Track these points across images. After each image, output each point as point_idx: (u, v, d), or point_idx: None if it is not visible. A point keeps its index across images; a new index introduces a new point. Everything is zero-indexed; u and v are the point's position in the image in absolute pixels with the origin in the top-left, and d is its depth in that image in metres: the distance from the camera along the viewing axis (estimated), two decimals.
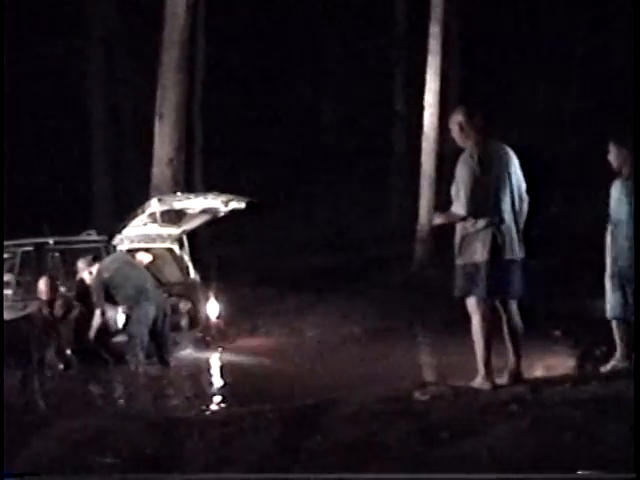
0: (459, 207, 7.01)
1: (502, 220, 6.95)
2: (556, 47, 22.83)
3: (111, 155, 24.70)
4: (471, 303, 7.05)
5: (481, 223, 6.93)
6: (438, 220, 7.41)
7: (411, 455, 5.44)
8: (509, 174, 7.10)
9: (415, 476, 5.02)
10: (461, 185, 6.97)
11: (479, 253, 6.93)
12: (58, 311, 8.14)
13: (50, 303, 8.35)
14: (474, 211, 6.94)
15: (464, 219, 6.99)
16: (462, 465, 5.22)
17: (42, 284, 9.53)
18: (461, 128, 7.14)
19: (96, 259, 10.68)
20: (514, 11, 22.81)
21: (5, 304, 10.75)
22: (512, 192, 7.08)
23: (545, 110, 21.52)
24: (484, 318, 6.99)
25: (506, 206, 6.98)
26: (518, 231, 7.05)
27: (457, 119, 7.17)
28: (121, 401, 8.87)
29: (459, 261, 7.07)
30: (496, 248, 6.91)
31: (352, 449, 5.61)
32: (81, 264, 10.58)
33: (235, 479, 5.33)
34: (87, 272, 10.50)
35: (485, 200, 6.93)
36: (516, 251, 7.02)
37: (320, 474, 5.29)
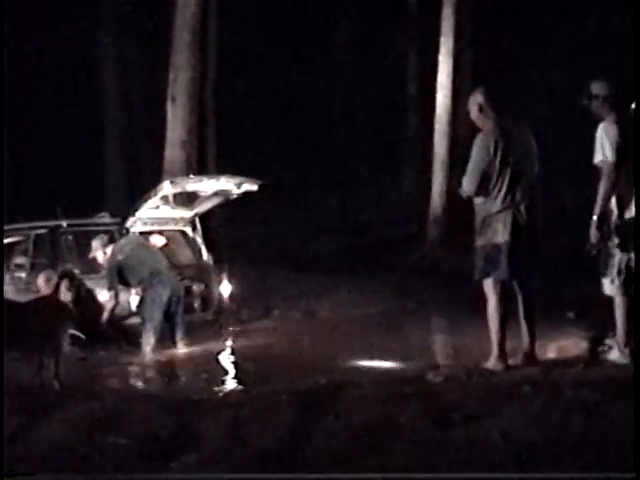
0: (467, 185, 7.05)
1: (522, 201, 6.96)
2: (569, 28, 22.71)
3: (124, 138, 24.71)
4: (488, 284, 7.07)
5: (501, 204, 6.94)
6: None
7: (424, 436, 5.45)
8: (528, 155, 7.11)
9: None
10: (473, 165, 6.99)
11: (500, 234, 6.95)
12: (66, 294, 8.15)
13: (56, 287, 8.38)
14: (481, 192, 6.95)
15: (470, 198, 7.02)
16: (474, 446, 5.23)
17: (40, 280, 9.51)
18: (480, 109, 7.14)
19: (111, 240, 10.71)
20: None
21: (19, 287, 10.82)
22: (531, 173, 7.08)
23: (558, 91, 21.45)
24: (500, 299, 7.02)
25: (525, 187, 6.98)
26: (537, 212, 7.05)
27: (477, 100, 7.17)
28: (134, 383, 8.90)
29: (479, 242, 7.09)
30: (517, 229, 6.93)
31: (365, 430, 5.63)
32: (95, 243, 10.60)
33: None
34: (101, 252, 10.53)
35: (503, 181, 6.93)
36: (535, 232, 7.03)
37: (333, 455, 5.31)
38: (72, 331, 9.39)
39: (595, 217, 6.65)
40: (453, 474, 4.95)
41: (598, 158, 6.70)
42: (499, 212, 6.97)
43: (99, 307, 10.25)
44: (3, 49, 19.01)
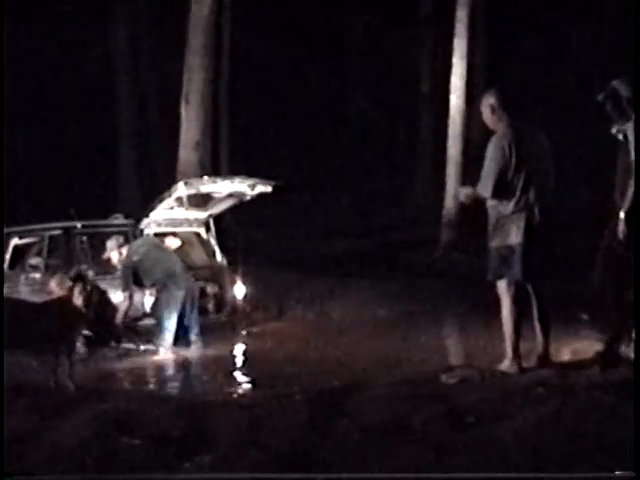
0: (483, 188, 7.03)
1: (535, 203, 6.94)
2: (583, 30, 22.66)
3: (138, 139, 24.77)
4: (502, 286, 7.06)
5: (515, 206, 6.94)
6: (463, 195, 7.42)
7: (437, 438, 5.45)
8: (541, 157, 7.09)
9: (432, 476, 5.03)
10: (488, 167, 6.99)
11: (514, 235, 6.94)
12: (78, 297, 8.18)
13: (70, 290, 8.42)
14: (498, 194, 6.94)
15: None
16: (488, 448, 5.23)
17: (53, 283, 9.55)
18: (493, 110, 7.13)
19: (126, 241, 10.74)
20: None
21: (34, 287, 10.86)
22: (545, 175, 7.07)
23: (573, 94, 21.40)
24: (514, 301, 7.01)
25: (539, 189, 6.97)
26: (550, 214, 7.04)
27: (489, 101, 7.16)
28: (149, 384, 8.93)
29: (493, 244, 7.08)
30: (530, 231, 6.92)
31: (379, 431, 5.63)
32: (110, 244, 10.64)
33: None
34: (116, 253, 10.56)
35: (518, 183, 6.92)
36: (549, 234, 7.02)
37: (346, 456, 5.31)
38: (85, 332, 9.44)
39: (623, 214, 6.59)
40: (466, 474, 4.95)
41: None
42: (512, 214, 6.95)
43: (113, 308, 10.28)
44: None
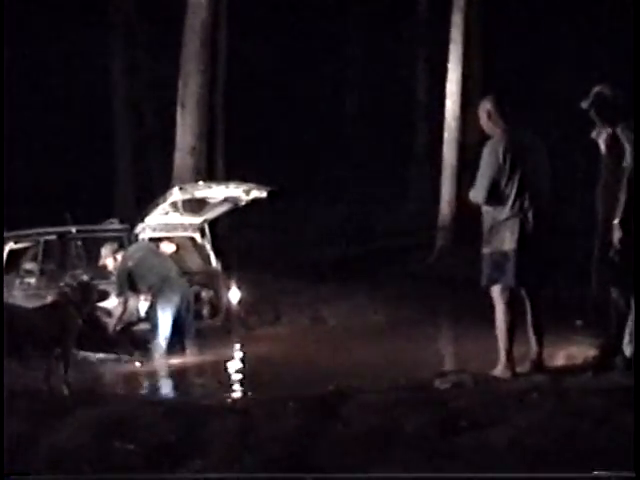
0: (477, 194, 7.05)
1: (530, 209, 6.96)
2: (580, 35, 22.67)
3: (133, 144, 24.78)
4: (496, 291, 7.08)
5: (509, 212, 6.95)
6: None
7: (431, 443, 5.45)
8: (537, 163, 7.11)
9: (430, 475, 5.03)
10: (482, 172, 7.00)
11: (507, 242, 6.95)
12: (76, 297, 8.20)
13: (66, 296, 8.45)
14: (491, 200, 6.96)
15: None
16: (482, 454, 5.23)
17: (105, 251, 9.73)
18: (489, 116, 7.15)
19: (121, 247, 10.74)
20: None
21: (28, 292, 10.87)
22: (540, 181, 7.08)
23: (569, 99, 21.37)
24: (508, 306, 7.02)
25: (534, 195, 6.98)
26: (545, 220, 7.05)
27: (486, 107, 7.18)
28: (143, 389, 8.92)
29: (486, 249, 7.09)
30: (524, 237, 6.93)
31: (372, 437, 5.63)
32: (105, 250, 10.63)
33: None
34: (111, 258, 10.56)
35: (512, 189, 6.93)
36: (543, 240, 7.03)
37: (340, 463, 5.31)
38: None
39: (616, 221, 6.59)
40: (460, 474, 4.95)
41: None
42: (507, 219, 6.97)
43: (108, 313, 10.27)
44: (3, 49, 19.07)
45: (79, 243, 11.53)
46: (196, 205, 11.60)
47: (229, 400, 7.75)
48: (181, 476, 5.30)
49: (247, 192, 10.93)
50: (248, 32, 23.52)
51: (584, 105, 6.84)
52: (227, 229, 16.27)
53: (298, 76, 26.16)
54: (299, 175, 23.66)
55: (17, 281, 11.24)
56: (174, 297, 10.22)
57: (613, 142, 6.66)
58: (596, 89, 6.85)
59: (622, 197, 6.54)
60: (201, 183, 12.07)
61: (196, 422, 6.26)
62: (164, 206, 11.13)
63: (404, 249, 17.75)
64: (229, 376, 9.21)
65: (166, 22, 19.07)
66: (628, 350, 6.75)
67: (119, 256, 10.52)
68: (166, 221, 11.58)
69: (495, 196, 6.99)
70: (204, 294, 11.43)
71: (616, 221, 6.56)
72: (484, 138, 7.32)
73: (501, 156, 6.94)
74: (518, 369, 7.08)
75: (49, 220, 11.91)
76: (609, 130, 6.70)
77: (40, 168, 24.27)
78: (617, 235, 6.55)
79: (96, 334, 10.02)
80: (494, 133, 7.14)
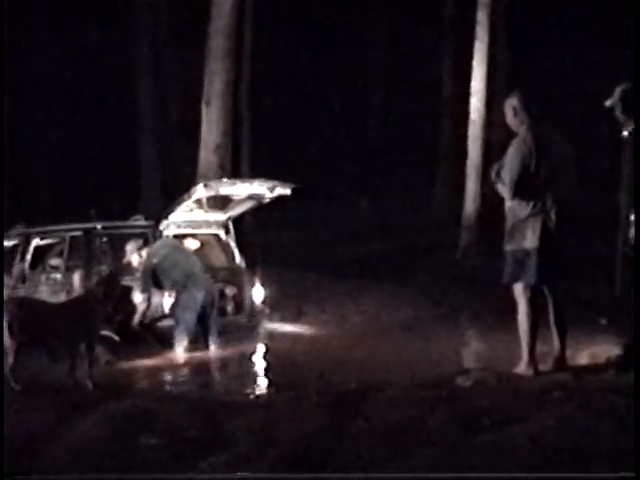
0: (504, 190, 7.05)
1: (553, 207, 6.95)
2: (603, 34, 22.55)
3: (159, 141, 24.86)
4: (518, 289, 7.08)
5: (531, 210, 6.94)
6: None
7: (452, 440, 5.47)
8: (561, 161, 7.09)
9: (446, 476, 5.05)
10: (508, 169, 7.00)
11: (529, 239, 6.95)
12: (99, 292, 8.28)
13: (91, 291, 8.53)
14: (516, 197, 6.96)
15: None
16: (503, 451, 5.23)
17: (75, 279, 9.64)
18: (515, 113, 7.15)
19: (146, 243, 10.79)
20: None
21: (54, 288, 10.95)
22: (563, 179, 7.07)
23: (592, 97, 21.25)
24: (530, 304, 7.01)
25: (557, 193, 6.97)
26: (568, 218, 7.04)
27: (512, 103, 7.18)
28: (167, 384, 8.97)
29: (509, 247, 7.09)
30: (546, 235, 6.92)
31: (394, 433, 5.65)
32: (130, 247, 10.67)
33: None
34: (136, 255, 10.60)
35: (536, 187, 6.93)
36: (565, 238, 7.02)
37: (361, 458, 5.34)
38: (106, 332, 9.51)
39: (632, 217, 6.57)
40: (481, 474, 4.96)
41: None
42: (529, 217, 6.96)
43: (133, 309, 10.34)
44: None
45: (104, 239, 11.59)
46: (220, 202, 11.63)
47: (252, 396, 7.79)
48: (203, 476, 5.33)
49: (271, 189, 10.93)
50: (274, 30, 23.58)
51: (608, 103, 6.83)
52: (251, 226, 16.32)
53: (322, 74, 26.18)
54: (323, 172, 23.70)
55: (43, 277, 11.32)
56: (198, 294, 10.25)
57: (636, 139, 6.64)
58: (621, 87, 6.83)
59: None
60: (225, 180, 12.09)
61: (219, 417, 6.31)
62: (189, 203, 11.16)
63: (428, 247, 17.73)
64: (253, 372, 9.24)
65: (192, 20, 19.13)
66: None
67: (144, 253, 10.56)
68: (191, 218, 11.61)
69: (519, 193, 6.99)
70: (228, 291, 11.46)
71: (632, 217, 6.55)
72: (509, 135, 7.32)
73: (527, 153, 6.94)
74: (541, 367, 7.07)
75: (76, 216, 12.01)
76: (631, 127, 6.68)
77: (66, 165, 24.43)
78: (633, 231, 6.54)
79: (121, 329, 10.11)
80: (520, 130, 7.13)
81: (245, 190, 11.25)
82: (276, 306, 12.08)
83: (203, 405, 6.84)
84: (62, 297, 10.16)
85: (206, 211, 11.54)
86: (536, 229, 6.94)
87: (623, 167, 6.77)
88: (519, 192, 6.97)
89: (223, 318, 10.99)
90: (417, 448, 5.39)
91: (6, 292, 9.90)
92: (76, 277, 9.28)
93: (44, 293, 10.78)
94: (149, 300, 10.34)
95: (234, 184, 11.37)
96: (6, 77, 18.55)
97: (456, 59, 21.37)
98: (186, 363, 9.82)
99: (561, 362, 7.16)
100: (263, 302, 11.61)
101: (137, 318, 10.30)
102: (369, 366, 8.63)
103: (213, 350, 10.28)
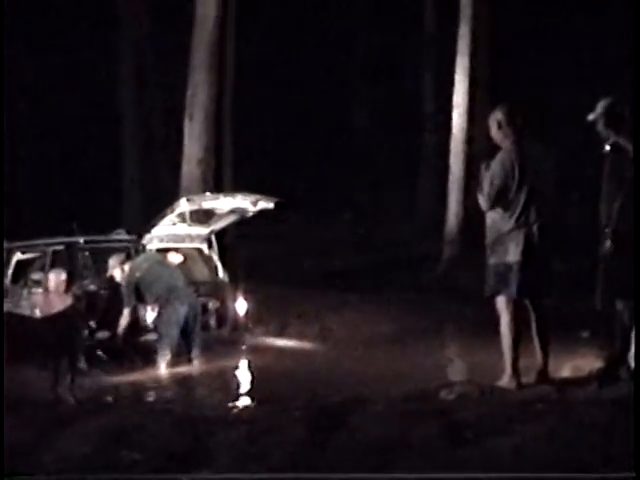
0: (482, 201, 7.08)
1: (535, 221, 6.97)
2: (587, 48, 22.67)
3: (141, 155, 24.84)
4: (500, 302, 7.10)
5: (514, 223, 6.97)
6: None
7: (436, 454, 5.46)
8: (544, 175, 7.13)
9: (439, 476, 5.05)
10: (491, 181, 7.02)
11: (512, 253, 6.97)
12: (81, 307, 8.27)
13: (73, 306, 8.50)
14: (496, 209, 6.99)
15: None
16: (487, 464, 5.24)
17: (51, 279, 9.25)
18: (499, 126, 7.17)
19: (128, 257, 10.76)
20: (545, 11, 22.68)
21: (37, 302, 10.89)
22: (546, 193, 7.10)
23: (576, 111, 21.32)
24: (513, 317, 7.03)
25: (539, 207, 7.00)
26: (550, 232, 7.06)
27: (496, 117, 7.20)
28: (150, 399, 8.93)
29: (491, 260, 7.11)
30: (528, 248, 6.94)
31: (378, 447, 5.64)
32: (112, 261, 10.64)
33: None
34: (119, 269, 10.57)
35: (518, 201, 6.96)
36: (547, 252, 7.05)
37: (346, 473, 5.33)
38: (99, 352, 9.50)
39: (608, 230, 6.59)
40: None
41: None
42: (511, 231, 6.99)
43: (116, 322, 10.30)
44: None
45: (87, 254, 11.55)
46: (203, 216, 11.62)
47: (235, 410, 7.77)
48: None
49: (254, 203, 10.94)
50: (257, 43, 23.60)
51: (591, 117, 6.87)
52: (234, 240, 16.30)
53: (307, 86, 26.21)
54: (306, 186, 23.71)
55: (25, 291, 11.26)
56: (181, 308, 10.23)
57: (616, 153, 6.68)
58: (603, 102, 6.87)
59: (616, 206, 6.54)
60: (208, 194, 12.09)
61: (202, 432, 6.29)
62: (171, 217, 11.16)
63: (411, 260, 17.76)
64: (235, 386, 9.22)
65: (175, 33, 19.15)
66: (633, 362, 6.76)
67: (126, 267, 10.53)
68: (173, 232, 11.60)
69: (501, 207, 7.01)
70: (211, 305, 11.44)
71: (607, 230, 6.56)
72: (491, 149, 7.34)
73: (509, 167, 6.97)
74: (523, 380, 7.09)
75: (57, 230, 11.96)
76: (612, 141, 6.72)
77: (48, 178, 24.36)
78: (607, 244, 6.55)
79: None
80: (504, 144, 7.16)
81: (228, 204, 11.26)
82: (259, 320, 12.06)
83: (186, 419, 6.81)
84: (40, 297, 9.84)
85: (189, 225, 11.52)
86: (519, 243, 6.96)
87: (603, 182, 6.79)
88: (497, 204, 7.00)
89: (206, 332, 10.97)
90: (401, 462, 5.39)
91: None
92: (52, 276, 9.04)
93: (25, 308, 10.72)
94: (133, 315, 10.31)
95: (217, 198, 11.37)
96: None
97: (438, 73, 21.49)
98: (169, 377, 9.79)
99: (544, 375, 7.19)
100: (246, 316, 11.59)
101: (120, 332, 10.25)
102: (352, 379, 8.64)
103: (196, 364, 10.26)
